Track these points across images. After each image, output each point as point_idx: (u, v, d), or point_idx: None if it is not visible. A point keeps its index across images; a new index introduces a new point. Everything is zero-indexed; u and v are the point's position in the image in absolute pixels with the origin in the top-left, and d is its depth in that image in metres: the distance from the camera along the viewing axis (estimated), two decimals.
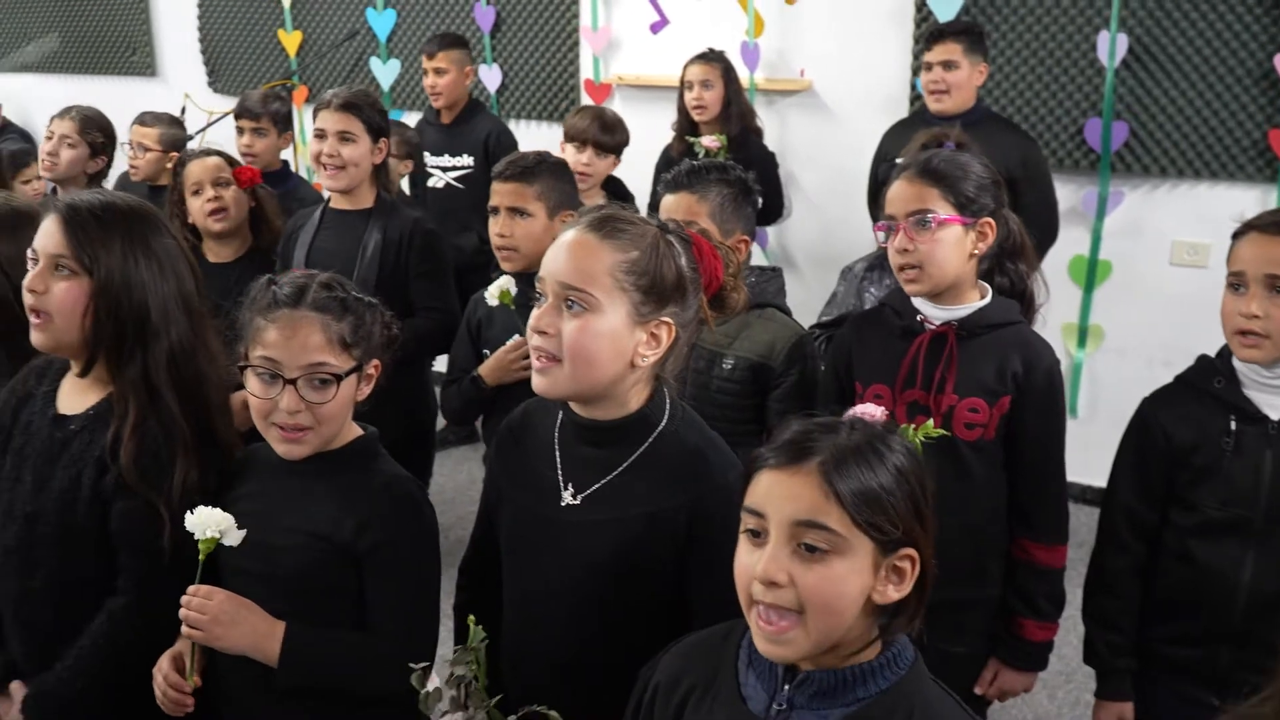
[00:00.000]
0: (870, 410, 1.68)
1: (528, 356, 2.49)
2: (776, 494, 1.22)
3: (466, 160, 4.53)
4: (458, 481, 4.56)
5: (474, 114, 4.61)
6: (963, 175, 2.06)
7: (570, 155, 3.66)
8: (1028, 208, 3.74)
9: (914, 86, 4.43)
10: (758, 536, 1.23)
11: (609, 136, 3.77)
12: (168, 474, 1.73)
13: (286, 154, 4.33)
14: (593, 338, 1.48)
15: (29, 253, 1.79)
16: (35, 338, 1.77)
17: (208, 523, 1.63)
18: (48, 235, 1.75)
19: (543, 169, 2.68)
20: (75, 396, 1.84)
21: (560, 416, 1.62)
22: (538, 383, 1.53)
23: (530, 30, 5.17)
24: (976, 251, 2.08)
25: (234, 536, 1.64)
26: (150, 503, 1.72)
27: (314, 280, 1.74)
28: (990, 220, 2.08)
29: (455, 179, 4.53)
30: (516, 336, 2.58)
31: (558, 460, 1.61)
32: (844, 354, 2.25)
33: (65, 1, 6.45)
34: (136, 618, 1.77)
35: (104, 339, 1.75)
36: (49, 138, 3.70)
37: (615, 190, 3.94)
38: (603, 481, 1.56)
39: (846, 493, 1.19)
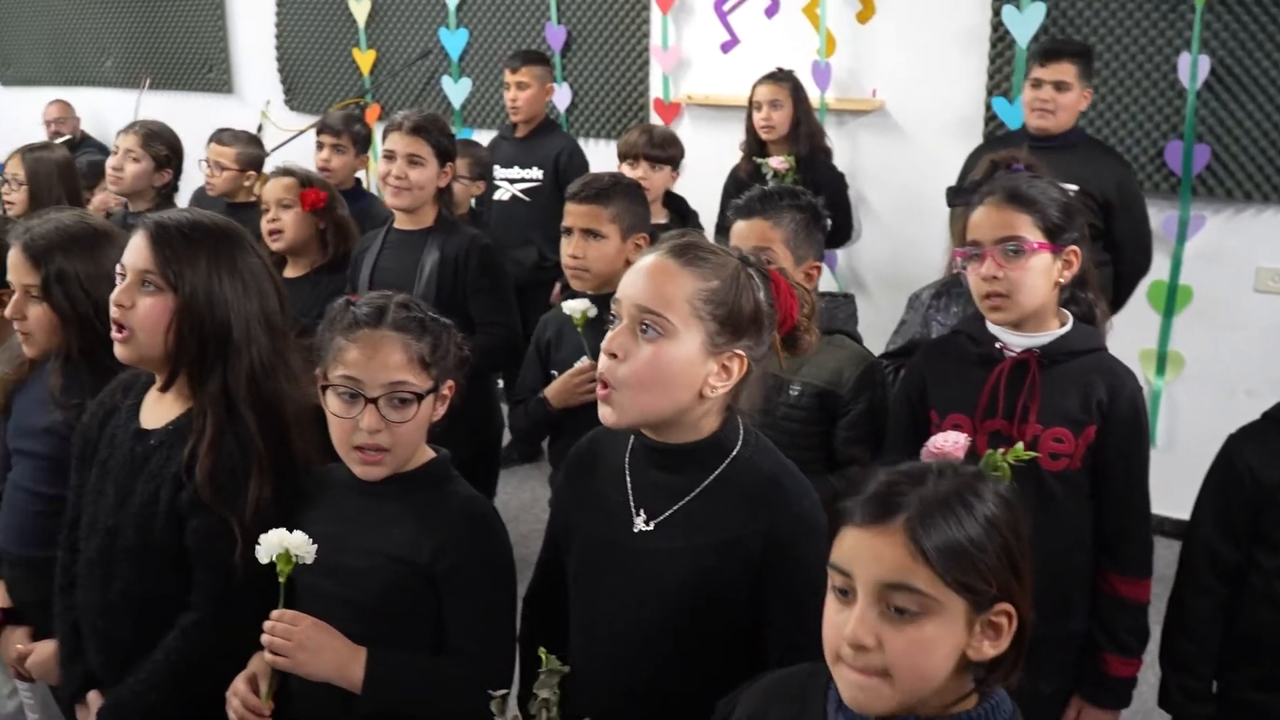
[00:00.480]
0: (952, 439, 1.64)
1: (593, 380, 2.55)
2: (863, 554, 1.17)
3: (536, 174, 4.56)
4: (521, 500, 4.56)
5: (548, 131, 4.66)
6: (1050, 202, 2.02)
7: (625, 173, 3.67)
8: (1121, 233, 3.69)
9: (989, 107, 4.37)
10: (845, 595, 1.19)
11: (660, 150, 3.79)
12: (242, 491, 1.74)
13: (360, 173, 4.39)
14: (665, 364, 1.46)
15: (118, 268, 1.81)
16: (119, 350, 1.80)
17: (276, 546, 1.62)
18: (136, 251, 1.78)
19: (617, 191, 2.69)
20: (157, 411, 1.86)
21: (631, 441, 1.61)
22: (604, 414, 1.51)
23: (600, 49, 5.19)
24: (1062, 280, 2.03)
25: (307, 552, 1.63)
26: (224, 519, 1.73)
27: (392, 300, 1.75)
28: (1075, 248, 2.03)
29: (522, 191, 4.56)
30: (584, 360, 2.58)
31: (629, 485, 1.59)
32: (917, 383, 2.21)
33: (145, 19, 6.60)
34: (209, 634, 1.78)
35: (186, 355, 1.77)
36: (115, 152, 3.76)
37: (677, 208, 3.95)
38: (675, 507, 1.54)
39: (934, 552, 1.13)
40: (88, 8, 6.81)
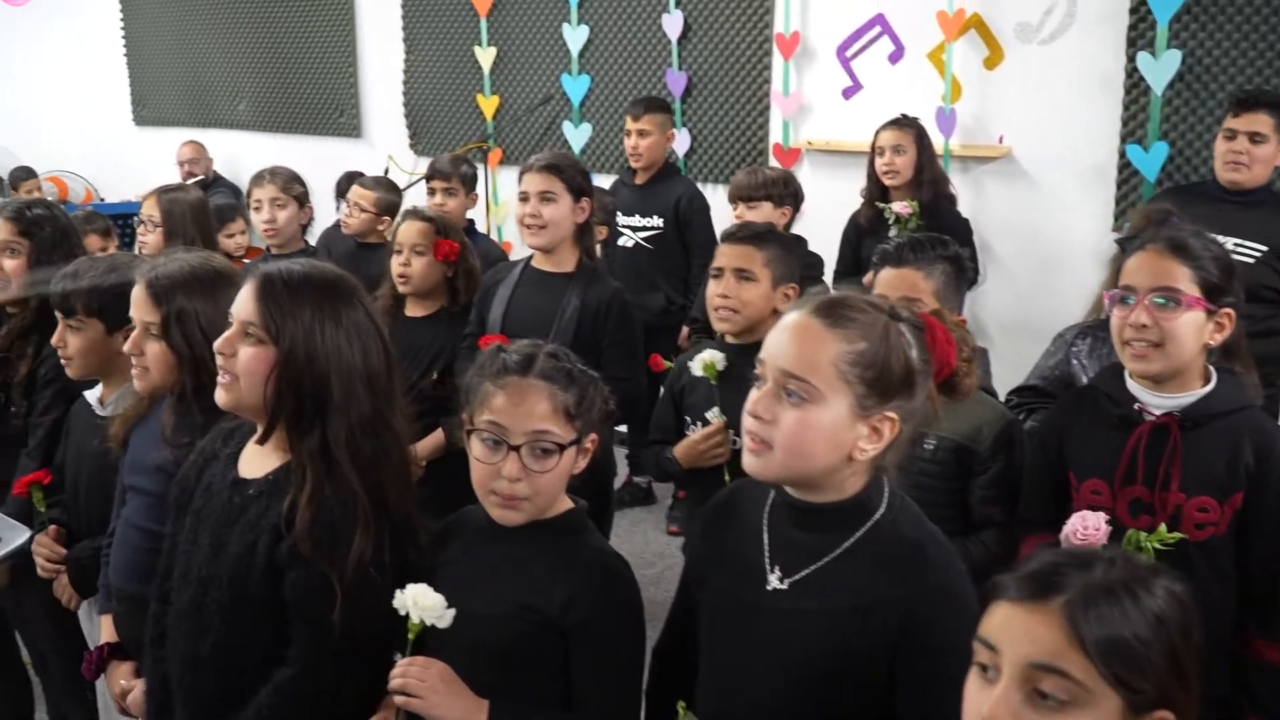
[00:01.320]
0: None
1: (721, 444, 2.54)
2: (1013, 630, 1.12)
3: (657, 221, 4.58)
4: (633, 543, 4.54)
5: (668, 176, 4.67)
6: (1213, 259, 1.94)
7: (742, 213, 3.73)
8: None
9: (1122, 154, 4.24)
10: (988, 672, 1.13)
11: (773, 188, 3.79)
12: (343, 546, 1.70)
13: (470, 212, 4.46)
14: (810, 430, 1.42)
15: (230, 315, 1.84)
16: (219, 395, 1.80)
17: (415, 605, 1.62)
18: (242, 301, 1.78)
19: (772, 238, 2.70)
20: (256, 461, 1.84)
21: (771, 496, 1.57)
22: (749, 462, 1.48)
23: (721, 95, 5.20)
24: (1211, 342, 1.94)
25: (443, 618, 1.63)
26: (324, 574, 1.69)
27: (542, 350, 1.75)
28: (1231, 311, 1.94)
29: (645, 239, 4.57)
30: (715, 414, 2.57)
31: (765, 542, 1.55)
32: (1054, 440, 2.13)
33: (280, 64, 6.85)
34: (302, 691, 1.74)
35: (284, 407, 1.75)
36: (257, 208, 3.85)
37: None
38: (812, 568, 1.49)
39: (1093, 639, 1.07)
40: (225, 52, 7.10)
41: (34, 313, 2.61)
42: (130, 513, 2.20)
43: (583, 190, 3.07)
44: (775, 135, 5.09)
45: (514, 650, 1.69)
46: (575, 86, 5.64)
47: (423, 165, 6.07)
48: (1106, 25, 4.25)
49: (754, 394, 1.47)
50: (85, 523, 2.44)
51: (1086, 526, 1.88)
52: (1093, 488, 2.01)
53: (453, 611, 1.63)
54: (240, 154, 7.11)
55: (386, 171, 5.65)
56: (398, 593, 1.63)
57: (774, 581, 1.51)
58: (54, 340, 2.37)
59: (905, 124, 4.13)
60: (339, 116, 6.66)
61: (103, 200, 7.40)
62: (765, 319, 2.58)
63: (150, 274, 2.12)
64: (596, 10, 5.50)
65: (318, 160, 4.88)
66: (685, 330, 4.30)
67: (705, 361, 2.56)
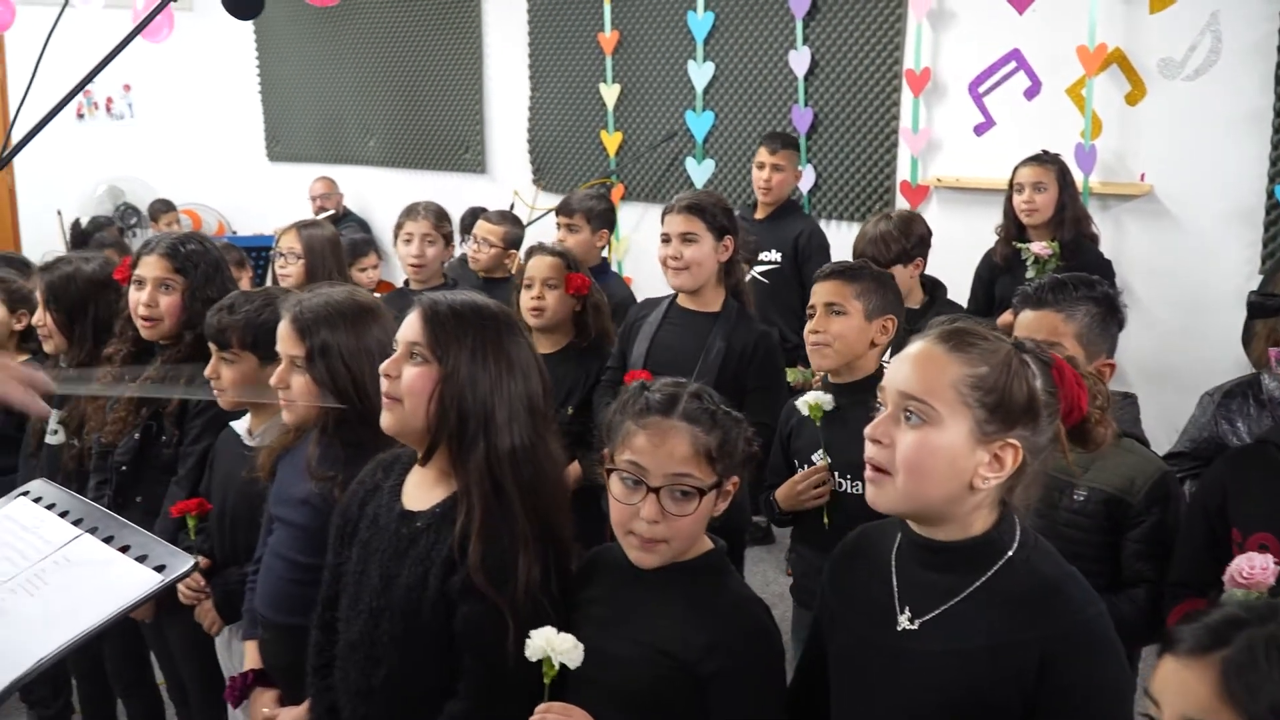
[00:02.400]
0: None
1: (819, 485, 2.50)
2: (1170, 685, 1.09)
3: (775, 256, 4.55)
4: (753, 583, 4.45)
5: (789, 212, 4.65)
6: None
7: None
8: None
9: (1270, 195, 4.07)
10: None
11: (903, 243, 3.60)
12: (512, 575, 1.71)
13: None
14: (929, 452, 1.40)
15: (393, 343, 1.86)
16: (384, 419, 1.83)
17: (549, 648, 1.61)
18: (409, 325, 1.82)
19: (865, 273, 2.66)
20: (421, 492, 1.86)
21: (899, 537, 1.54)
22: (870, 494, 1.47)
23: (847, 131, 5.16)
24: None
25: (575, 658, 1.61)
26: (496, 607, 1.70)
27: (685, 390, 1.73)
28: None
29: (761, 273, 4.54)
30: (819, 457, 2.54)
31: (894, 582, 1.52)
32: (1217, 494, 2.03)
33: (409, 103, 7.02)
34: None
35: (445, 426, 1.77)
36: (408, 240, 3.91)
37: (932, 290, 3.76)
38: (943, 608, 1.45)
39: (1248, 699, 1.03)
40: (356, 90, 7.31)
41: (188, 347, 2.68)
42: (276, 543, 2.24)
43: (725, 229, 3.03)
44: (903, 172, 5.02)
45: (651, 695, 1.65)
46: (699, 123, 5.66)
47: (545, 200, 6.16)
48: (1254, 61, 4.09)
49: (875, 420, 1.46)
50: (230, 550, 2.49)
51: (1253, 566, 1.80)
52: (1260, 541, 1.92)
53: (582, 648, 1.61)
54: (368, 189, 7.31)
55: (512, 206, 5.74)
56: (528, 640, 1.62)
57: (904, 622, 1.48)
58: (208, 371, 2.44)
59: (1047, 160, 4.01)
60: (464, 152, 6.79)
61: (234, 233, 7.66)
62: (863, 354, 2.56)
63: (295, 308, 2.17)
64: (722, 47, 5.52)
65: (442, 195, 4.95)
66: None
67: (811, 403, 2.55)
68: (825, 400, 2.54)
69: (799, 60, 5.22)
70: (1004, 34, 4.59)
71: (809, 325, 2.61)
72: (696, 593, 1.70)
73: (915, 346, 1.47)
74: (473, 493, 1.75)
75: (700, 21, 5.56)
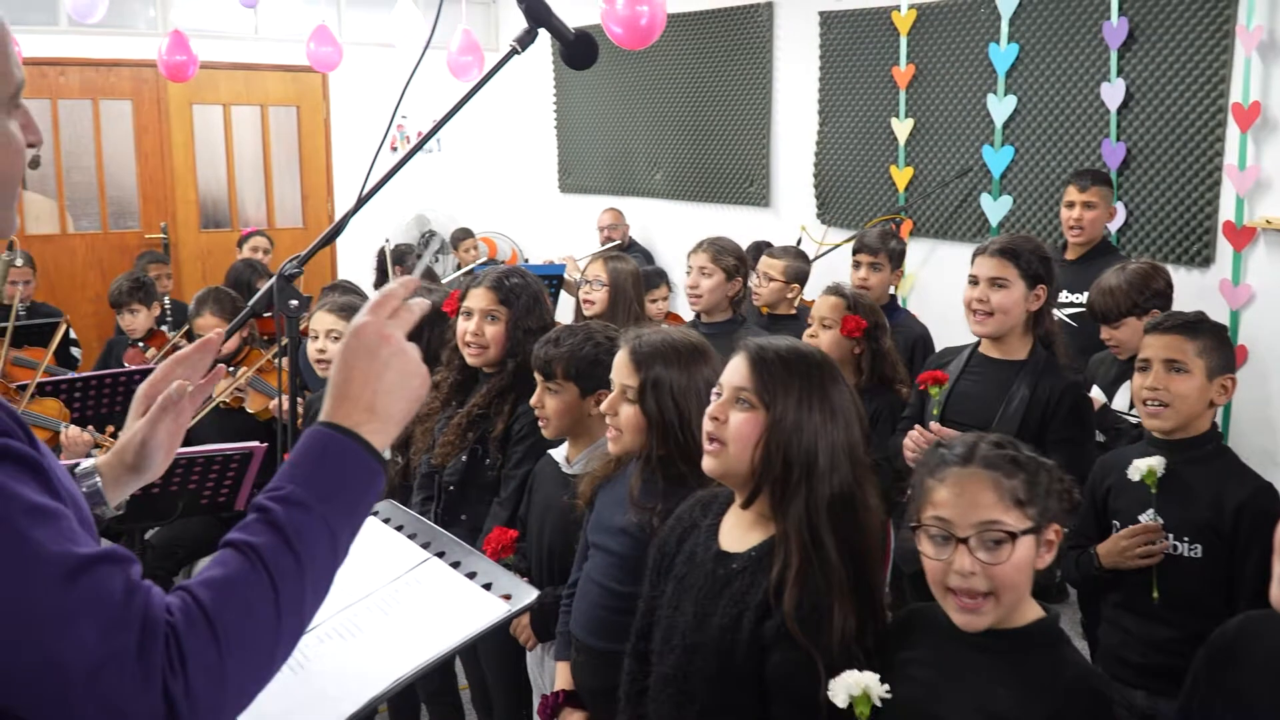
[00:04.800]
0: None
1: (1151, 546, 2.35)
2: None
3: (1084, 299, 4.30)
4: None
5: (1103, 253, 4.40)
6: None
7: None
8: None
9: None
10: None
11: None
12: (826, 624, 1.69)
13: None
14: None
15: (715, 386, 1.89)
16: (706, 463, 1.86)
17: (854, 686, 1.57)
18: (735, 370, 1.85)
19: (1205, 328, 2.51)
20: (738, 534, 1.87)
21: None
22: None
23: (1164, 168, 4.85)
24: None
25: (882, 692, 1.57)
26: (809, 655, 1.68)
27: (983, 439, 1.70)
28: None
29: (1070, 315, 4.32)
30: (1148, 516, 2.40)
31: None
32: None
33: (696, 137, 7.16)
34: None
35: (769, 473, 1.78)
36: (687, 271, 4.02)
37: None
38: None
39: None
40: (646, 125, 7.52)
41: (510, 375, 2.83)
42: (593, 569, 2.32)
43: (1039, 278, 2.91)
44: (1226, 212, 4.66)
45: None
46: (997, 158, 5.47)
47: (831, 236, 6.12)
48: None
49: None
50: (545, 571, 2.59)
51: None
52: None
53: (885, 687, 1.57)
54: (653, 221, 7.49)
55: (799, 241, 5.73)
56: (833, 684, 1.59)
57: None
58: (533, 401, 2.57)
59: None
60: (749, 186, 6.85)
61: (526, 260, 8.04)
62: (1200, 414, 2.43)
63: (634, 341, 2.25)
64: (1026, 80, 5.32)
65: (725, 229, 5.01)
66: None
67: (1147, 469, 2.42)
68: (1158, 465, 2.41)
69: (1112, 93, 4.95)
70: None
71: (1142, 380, 2.48)
72: (1032, 663, 1.62)
73: None
74: (791, 539, 1.75)
75: (1003, 54, 5.38)
